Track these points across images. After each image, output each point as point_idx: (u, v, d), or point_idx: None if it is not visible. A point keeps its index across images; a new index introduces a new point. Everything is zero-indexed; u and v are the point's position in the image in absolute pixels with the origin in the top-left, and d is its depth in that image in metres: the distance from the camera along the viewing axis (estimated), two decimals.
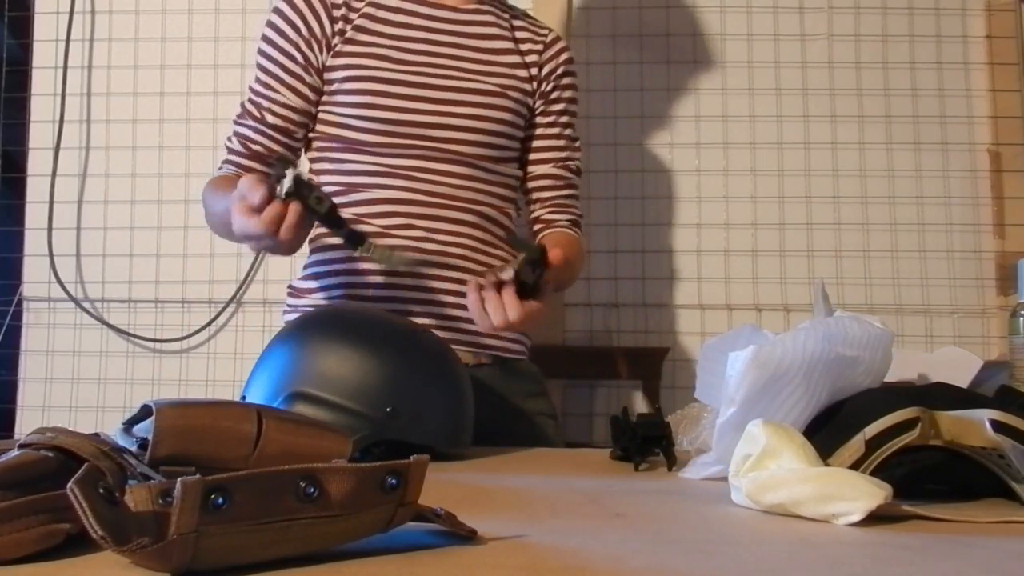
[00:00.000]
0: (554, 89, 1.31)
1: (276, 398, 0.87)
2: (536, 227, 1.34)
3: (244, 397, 0.91)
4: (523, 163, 1.33)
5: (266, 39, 1.22)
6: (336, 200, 1.21)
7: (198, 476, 0.40)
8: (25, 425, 1.93)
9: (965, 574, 0.46)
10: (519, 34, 1.30)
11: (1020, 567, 0.49)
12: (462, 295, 1.19)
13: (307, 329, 0.93)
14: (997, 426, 0.65)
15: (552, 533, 0.55)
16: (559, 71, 1.32)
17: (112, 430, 0.63)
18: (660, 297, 1.92)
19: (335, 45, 1.20)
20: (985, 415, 0.66)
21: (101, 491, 0.41)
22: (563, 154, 1.33)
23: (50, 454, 0.50)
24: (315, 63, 1.20)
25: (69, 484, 0.40)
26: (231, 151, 1.23)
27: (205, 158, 1.95)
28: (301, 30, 1.19)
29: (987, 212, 1.91)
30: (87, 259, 1.96)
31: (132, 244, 1.96)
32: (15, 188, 1.98)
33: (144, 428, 0.61)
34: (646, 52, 1.97)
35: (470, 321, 1.20)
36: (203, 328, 1.93)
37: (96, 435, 0.54)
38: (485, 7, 1.28)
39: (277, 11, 1.22)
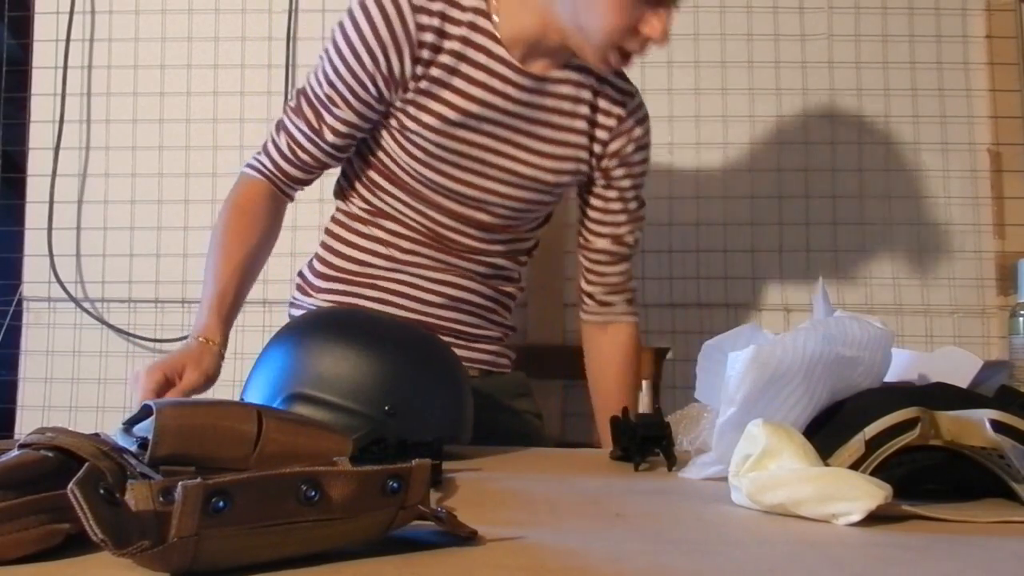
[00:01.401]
0: (620, 166, 1.25)
1: (274, 400, 0.87)
2: (588, 302, 1.33)
3: (242, 399, 0.91)
4: (580, 225, 1.32)
5: (341, 56, 1.12)
6: (360, 222, 1.23)
7: (199, 479, 0.40)
8: (25, 425, 1.93)
9: (965, 574, 0.46)
10: (601, 102, 1.22)
11: (1020, 567, 0.49)
12: (462, 309, 1.24)
13: (303, 331, 0.93)
14: (997, 426, 0.65)
15: (552, 533, 0.55)
16: (629, 149, 1.25)
17: (112, 430, 0.63)
18: (660, 297, 1.92)
19: (409, 88, 1.13)
20: (985, 415, 0.66)
21: (101, 492, 0.41)
22: (622, 229, 1.30)
23: (50, 454, 0.50)
24: (387, 99, 1.14)
25: (70, 485, 0.40)
26: (275, 148, 1.18)
27: (205, 158, 1.95)
28: (380, 64, 1.11)
29: (987, 212, 1.91)
30: (87, 259, 1.96)
31: (132, 244, 1.95)
32: (15, 188, 1.98)
33: (144, 428, 0.61)
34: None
35: (465, 335, 1.25)
36: None
37: (96, 435, 0.54)
38: (572, 71, 1.19)
39: (359, 32, 1.11)
